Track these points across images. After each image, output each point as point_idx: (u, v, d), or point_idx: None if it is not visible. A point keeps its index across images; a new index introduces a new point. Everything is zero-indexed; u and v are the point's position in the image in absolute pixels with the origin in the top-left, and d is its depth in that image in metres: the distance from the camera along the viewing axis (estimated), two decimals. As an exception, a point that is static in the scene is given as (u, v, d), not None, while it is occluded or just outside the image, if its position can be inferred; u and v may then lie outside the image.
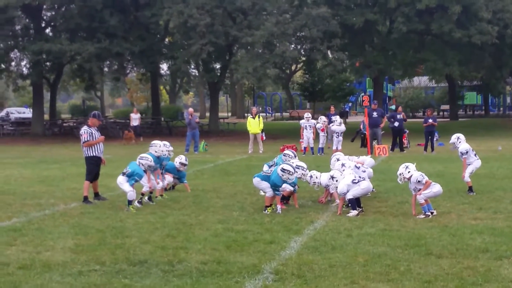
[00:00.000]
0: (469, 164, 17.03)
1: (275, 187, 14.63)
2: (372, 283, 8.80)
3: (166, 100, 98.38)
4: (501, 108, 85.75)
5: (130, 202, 15.04)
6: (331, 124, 30.94)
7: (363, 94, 45.04)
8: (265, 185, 14.85)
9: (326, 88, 65.55)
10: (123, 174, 15.37)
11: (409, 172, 14.19)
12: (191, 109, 35.63)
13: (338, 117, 31.82)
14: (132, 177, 15.25)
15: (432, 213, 13.81)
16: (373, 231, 12.32)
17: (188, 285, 8.77)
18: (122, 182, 15.29)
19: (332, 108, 37.90)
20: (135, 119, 44.06)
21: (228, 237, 11.92)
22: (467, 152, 16.99)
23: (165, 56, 52.49)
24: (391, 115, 33.60)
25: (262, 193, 15.86)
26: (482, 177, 20.14)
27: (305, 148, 30.79)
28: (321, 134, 31.02)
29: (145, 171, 15.61)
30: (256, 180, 15.15)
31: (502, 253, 10.29)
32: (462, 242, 11.13)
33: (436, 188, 14.04)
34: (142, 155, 15.92)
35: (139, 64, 52.70)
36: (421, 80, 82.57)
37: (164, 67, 64.20)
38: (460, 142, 17.17)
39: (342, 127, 30.51)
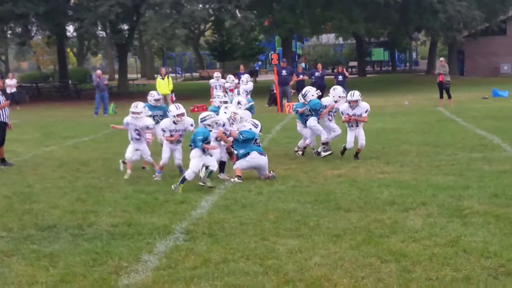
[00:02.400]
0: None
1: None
2: (282, 239, 8.89)
3: (73, 63, 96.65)
4: (407, 64, 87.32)
5: (182, 180, 12.69)
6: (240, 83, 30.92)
7: (272, 52, 45.11)
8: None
9: (236, 48, 65.51)
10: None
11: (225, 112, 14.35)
12: (99, 71, 35.16)
13: (247, 75, 31.77)
14: (196, 142, 13.15)
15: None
16: (284, 188, 12.44)
17: (98, 248, 8.68)
18: (193, 155, 13.08)
19: (242, 67, 37.80)
20: (10, 85, 39.78)
21: (139, 198, 11.84)
22: None
23: (71, 18, 51.35)
24: (310, 72, 34.18)
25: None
26: (390, 131, 20.56)
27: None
28: (230, 94, 30.92)
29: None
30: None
31: (408, 205, 10.54)
32: (370, 196, 11.34)
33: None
34: (202, 115, 13.73)
35: (44, 27, 51.43)
36: (329, 38, 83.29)
37: (70, 29, 62.89)
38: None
39: (249, 86, 30.48)
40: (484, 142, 17.73)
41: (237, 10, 47.50)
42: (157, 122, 16.35)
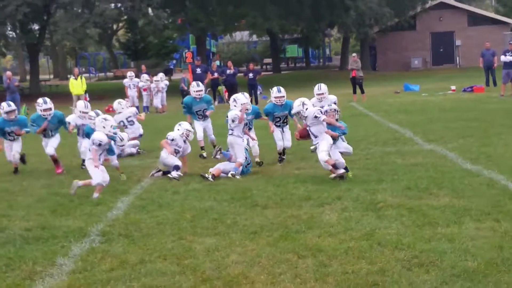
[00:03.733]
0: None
1: None
2: (199, 237, 8.87)
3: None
4: (321, 60, 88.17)
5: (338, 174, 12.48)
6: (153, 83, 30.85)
7: (186, 51, 44.99)
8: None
9: (150, 46, 65.12)
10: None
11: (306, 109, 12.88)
12: (9, 73, 34.33)
13: (162, 74, 31.75)
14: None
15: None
16: (200, 186, 12.43)
17: (11, 253, 8.51)
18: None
19: (143, 67, 36.68)
20: None
21: (53, 201, 11.66)
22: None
23: (-22, 19, 50.12)
24: (221, 70, 34.32)
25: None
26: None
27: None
28: (144, 93, 30.94)
29: None
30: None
31: (323, 200, 10.66)
32: (286, 192, 11.43)
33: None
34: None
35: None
36: (243, 35, 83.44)
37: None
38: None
39: (162, 84, 30.55)
40: (396, 136, 18.06)
41: (149, 9, 47.17)
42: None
